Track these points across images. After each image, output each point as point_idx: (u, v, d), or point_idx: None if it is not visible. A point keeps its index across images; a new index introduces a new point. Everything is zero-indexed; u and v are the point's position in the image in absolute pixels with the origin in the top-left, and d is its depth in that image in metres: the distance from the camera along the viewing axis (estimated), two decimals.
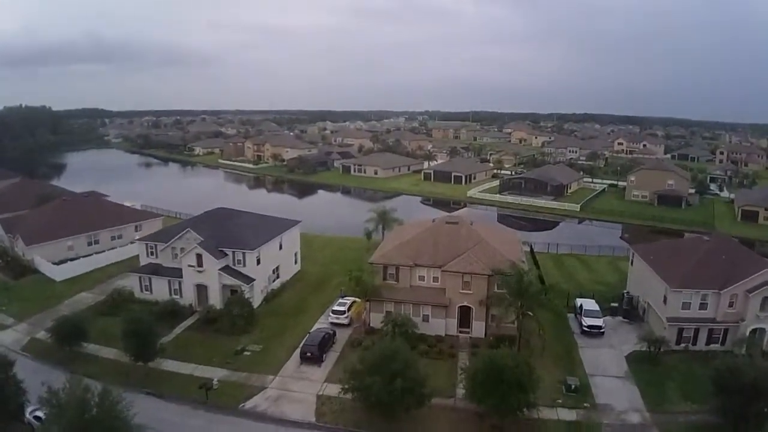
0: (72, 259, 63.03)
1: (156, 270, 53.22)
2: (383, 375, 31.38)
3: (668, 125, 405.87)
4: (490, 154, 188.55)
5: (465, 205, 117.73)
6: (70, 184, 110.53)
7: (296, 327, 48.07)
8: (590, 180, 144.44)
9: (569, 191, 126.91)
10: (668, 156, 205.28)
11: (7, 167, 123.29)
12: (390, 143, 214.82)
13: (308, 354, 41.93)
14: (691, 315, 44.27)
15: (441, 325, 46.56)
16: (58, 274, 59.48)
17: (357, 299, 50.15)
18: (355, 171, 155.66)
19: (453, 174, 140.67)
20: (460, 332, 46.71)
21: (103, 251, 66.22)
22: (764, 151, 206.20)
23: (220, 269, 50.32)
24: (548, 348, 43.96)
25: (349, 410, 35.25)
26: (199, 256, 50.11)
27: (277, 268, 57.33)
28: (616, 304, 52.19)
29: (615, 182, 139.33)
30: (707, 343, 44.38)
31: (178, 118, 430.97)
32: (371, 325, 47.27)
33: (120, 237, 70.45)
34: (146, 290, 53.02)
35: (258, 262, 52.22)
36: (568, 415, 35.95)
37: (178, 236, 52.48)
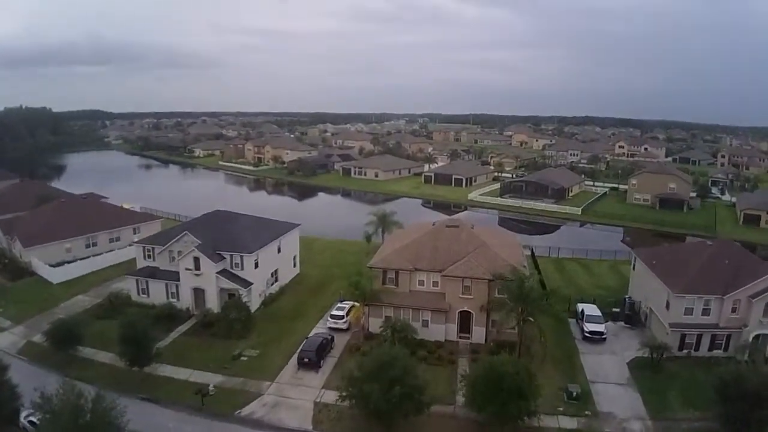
0: (69, 262, 62.66)
1: (153, 273, 52.82)
2: (382, 382, 30.85)
3: (669, 128, 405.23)
4: (491, 157, 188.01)
5: (465, 209, 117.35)
6: (70, 186, 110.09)
7: (294, 332, 47.58)
8: (591, 183, 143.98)
9: (570, 194, 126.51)
10: (669, 159, 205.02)
11: (7, 168, 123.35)
12: (390, 146, 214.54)
13: (306, 360, 41.42)
14: (693, 321, 43.77)
15: (441, 331, 46.05)
16: (55, 276, 59.11)
17: (356, 304, 49.64)
18: (355, 173, 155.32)
19: (453, 177, 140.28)
20: (460, 338, 46.21)
21: (101, 254, 65.84)
22: (765, 155, 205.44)
23: (217, 273, 49.89)
24: (549, 354, 43.44)
25: (347, 418, 34.74)
26: (196, 260, 49.69)
27: (276, 271, 56.88)
28: (617, 310, 51.72)
29: (616, 185, 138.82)
30: (710, 349, 43.87)
31: (179, 120, 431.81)
32: (370, 330, 46.78)
33: (118, 239, 70.10)
34: (143, 293, 52.61)
35: (256, 265, 51.78)
36: (569, 423, 35.41)
37: (175, 239, 52.09)
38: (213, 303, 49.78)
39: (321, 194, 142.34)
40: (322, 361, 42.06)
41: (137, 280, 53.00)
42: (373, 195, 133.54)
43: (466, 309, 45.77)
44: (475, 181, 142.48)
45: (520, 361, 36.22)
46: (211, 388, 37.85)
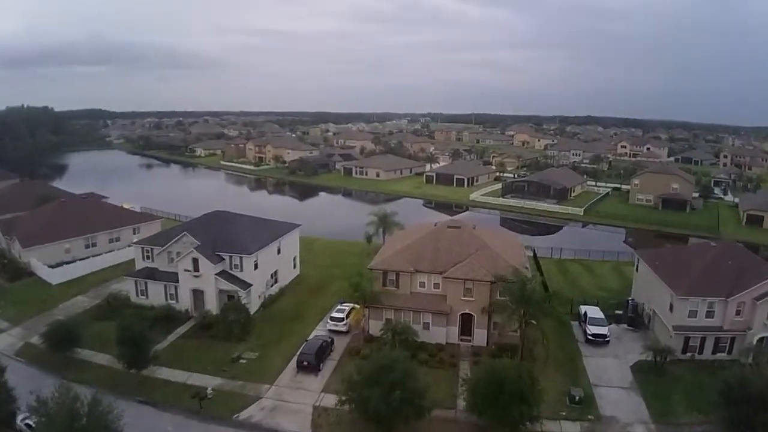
0: (68, 262, 62.35)
1: (152, 274, 52.45)
2: (382, 386, 30.47)
3: (671, 128, 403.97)
4: (493, 157, 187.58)
5: (467, 209, 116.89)
6: (71, 185, 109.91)
7: (293, 334, 47.17)
8: (594, 183, 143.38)
9: (572, 195, 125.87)
10: (672, 159, 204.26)
11: (8, 168, 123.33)
12: (392, 145, 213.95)
13: (305, 363, 40.97)
14: (697, 323, 43.26)
15: (442, 333, 45.60)
16: (54, 277, 58.80)
17: (356, 306, 49.21)
18: (356, 173, 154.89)
19: (455, 177, 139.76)
20: (462, 340, 45.76)
21: (101, 254, 65.56)
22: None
23: (216, 274, 49.50)
24: (551, 357, 42.97)
25: (347, 422, 34.29)
26: (195, 261, 49.32)
27: (276, 272, 56.48)
28: (620, 312, 51.23)
29: (618, 186, 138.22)
30: (713, 352, 43.39)
31: (180, 119, 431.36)
32: (370, 332, 46.34)
33: (118, 240, 69.79)
34: (142, 295, 52.25)
35: (255, 266, 51.37)
36: (571, 427, 34.98)
37: (174, 240, 51.69)
38: (212, 304, 49.39)
39: (322, 194, 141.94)
40: (321, 364, 41.63)
41: (136, 282, 52.64)
42: (374, 195, 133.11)
43: (467, 311, 45.30)
44: (476, 181, 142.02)
45: (522, 364, 35.87)
46: (209, 391, 37.47)
